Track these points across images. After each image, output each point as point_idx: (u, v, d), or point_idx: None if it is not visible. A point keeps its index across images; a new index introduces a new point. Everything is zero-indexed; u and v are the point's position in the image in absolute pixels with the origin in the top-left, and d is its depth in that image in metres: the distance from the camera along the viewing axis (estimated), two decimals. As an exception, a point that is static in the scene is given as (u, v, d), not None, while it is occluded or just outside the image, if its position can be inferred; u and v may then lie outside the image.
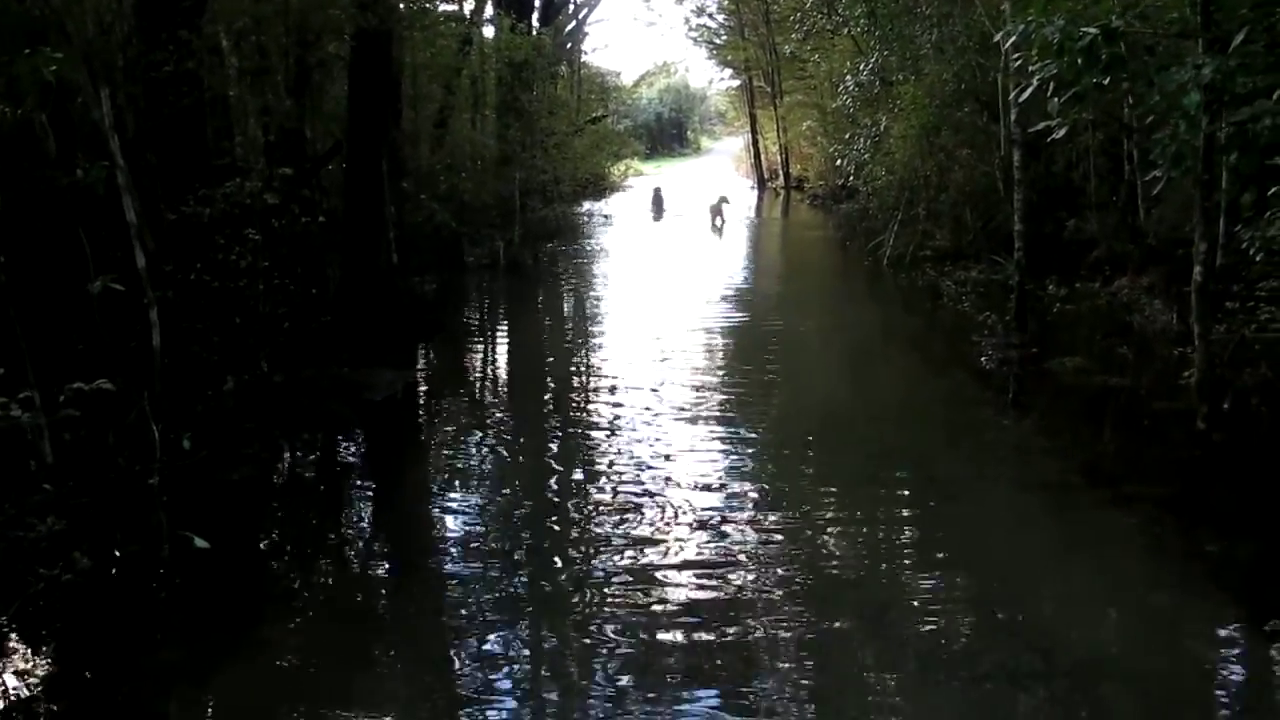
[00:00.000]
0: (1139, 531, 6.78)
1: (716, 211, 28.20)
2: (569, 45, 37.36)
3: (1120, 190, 15.73)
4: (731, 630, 5.56)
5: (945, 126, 18.00)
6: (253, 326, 9.81)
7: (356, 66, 14.16)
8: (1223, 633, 5.63)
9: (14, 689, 5.08)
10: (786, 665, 5.30)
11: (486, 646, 5.53)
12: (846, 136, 22.47)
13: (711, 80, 68.05)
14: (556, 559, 6.63)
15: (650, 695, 4.97)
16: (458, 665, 5.43)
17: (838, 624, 5.65)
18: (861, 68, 20.95)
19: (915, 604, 5.88)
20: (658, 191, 34.04)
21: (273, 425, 9.12)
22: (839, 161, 24.22)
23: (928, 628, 5.55)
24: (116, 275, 8.03)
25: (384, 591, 6.50)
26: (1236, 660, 5.35)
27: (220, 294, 9.49)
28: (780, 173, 43.36)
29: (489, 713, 4.90)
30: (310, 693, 5.15)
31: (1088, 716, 4.76)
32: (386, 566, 6.95)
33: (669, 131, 70.89)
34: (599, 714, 4.86)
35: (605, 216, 30.19)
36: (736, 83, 50.60)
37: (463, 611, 6.00)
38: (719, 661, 5.26)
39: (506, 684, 5.16)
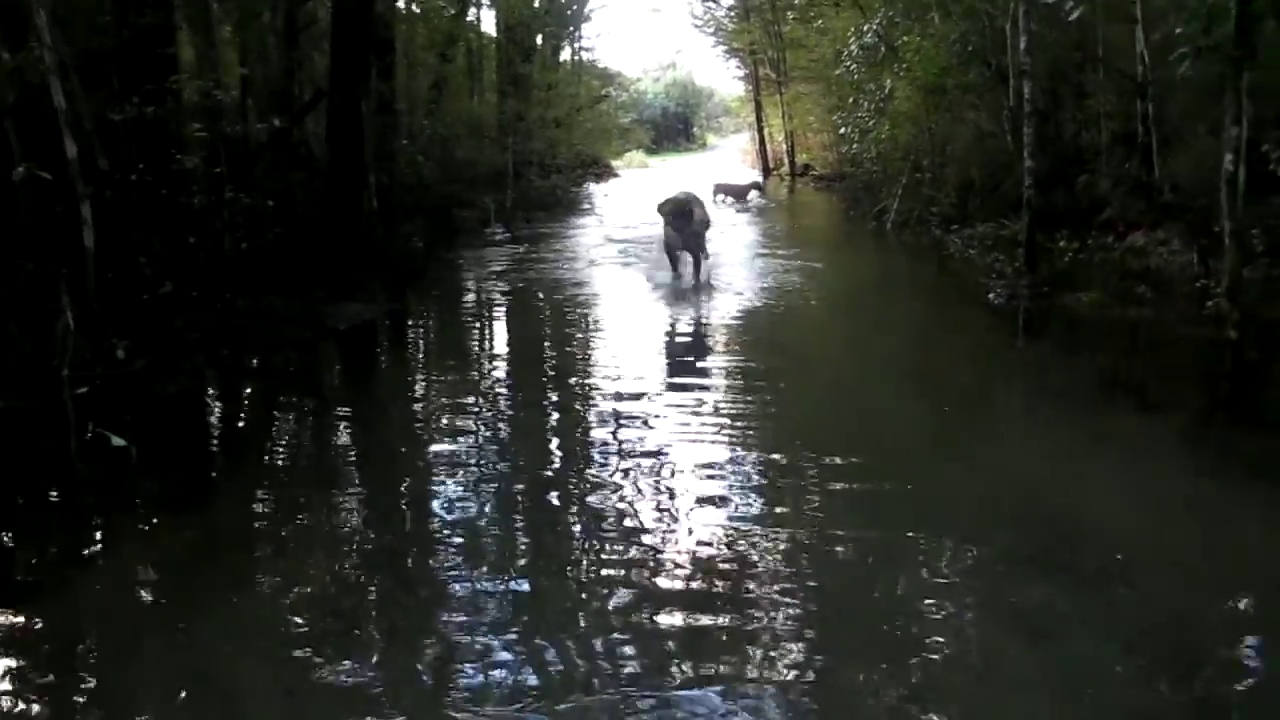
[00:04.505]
0: (1169, 432, 6.09)
1: (750, 190, 26.56)
2: (571, 29, 36.74)
3: (1134, 154, 15.05)
4: (734, 524, 4.86)
5: (951, 82, 17.30)
6: (206, 241, 9.12)
7: (339, 11, 13.67)
8: (1266, 518, 4.86)
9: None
10: (784, 547, 4.59)
11: (385, 550, 4.79)
12: (850, 101, 21.77)
13: (717, 75, 67.51)
14: (481, 468, 5.87)
15: (632, 594, 4.26)
16: (350, 566, 4.66)
17: (840, 522, 4.89)
18: (865, 29, 20.26)
19: (924, 499, 5.14)
20: (680, 206, 11.81)
21: (222, 343, 8.44)
22: (842, 130, 23.49)
23: (937, 518, 4.82)
24: (38, 164, 7.33)
25: (291, 502, 5.63)
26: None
27: (169, 204, 8.82)
28: (785, 160, 42.76)
29: (380, 609, 4.19)
30: (202, 583, 4.40)
31: (1115, 599, 4.01)
32: (302, 477, 6.08)
33: (675, 126, 70.16)
34: (545, 607, 4.18)
35: (605, 195, 29.40)
36: (743, 73, 49.99)
37: (364, 516, 5.27)
38: (717, 559, 4.54)
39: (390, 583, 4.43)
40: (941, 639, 3.73)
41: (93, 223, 7.73)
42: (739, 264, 13.87)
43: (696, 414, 6.63)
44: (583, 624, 3.92)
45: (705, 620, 3.92)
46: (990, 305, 10.48)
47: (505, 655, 3.68)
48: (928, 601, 4.01)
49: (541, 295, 12.20)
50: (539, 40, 28.34)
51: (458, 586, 4.29)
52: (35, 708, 3.45)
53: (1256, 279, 9.17)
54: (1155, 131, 13.88)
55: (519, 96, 23.58)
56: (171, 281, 8.78)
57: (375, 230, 13.90)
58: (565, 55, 36.67)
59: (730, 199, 26.06)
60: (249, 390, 7.82)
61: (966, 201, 17.48)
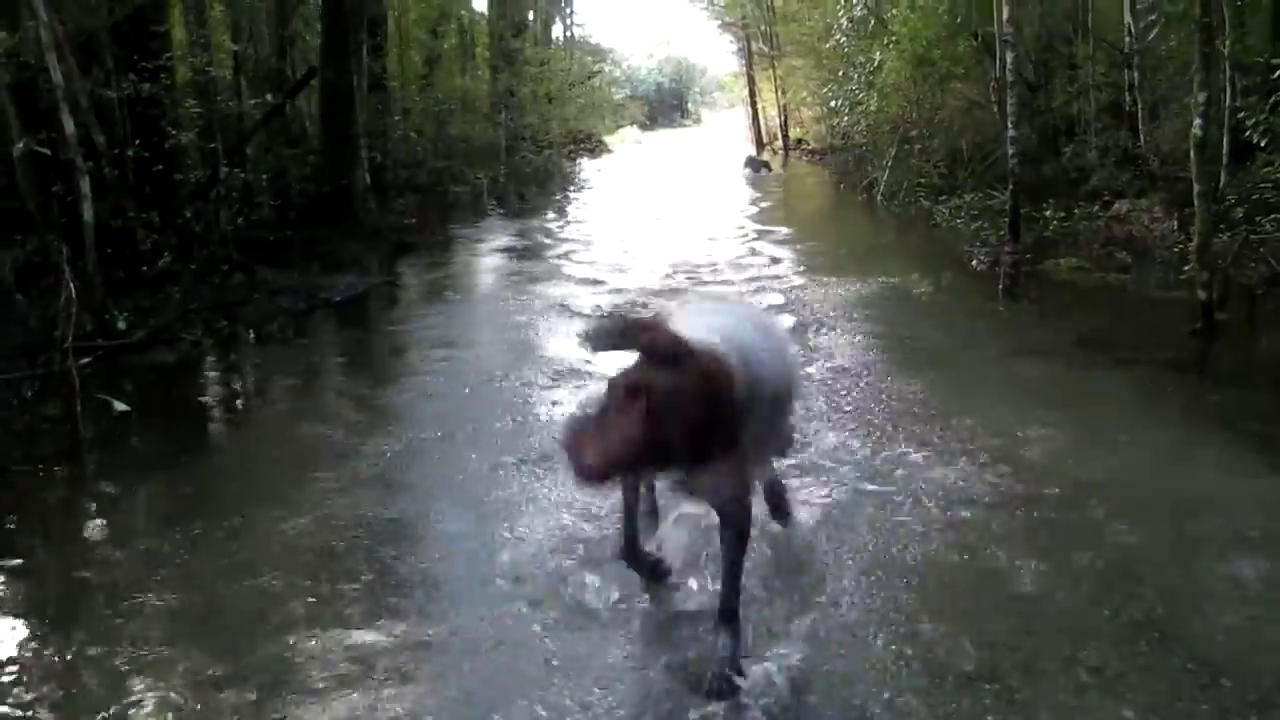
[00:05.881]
0: (1139, 386, 6.29)
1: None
2: (563, 4, 36.81)
3: (1121, 124, 15.21)
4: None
5: (939, 54, 17.43)
6: (202, 216, 9.30)
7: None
8: (1219, 462, 5.08)
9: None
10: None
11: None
12: (840, 74, 21.86)
13: (711, 51, 67.41)
14: (472, 427, 6.01)
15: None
16: (347, 517, 4.86)
17: (817, 468, 5.09)
18: (855, 1, 20.37)
19: (896, 444, 5.35)
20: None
21: (219, 315, 8.65)
22: (833, 102, 23.57)
23: (907, 462, 5.03)
24: (41, 136, 7.51)
25: (288, 460, 5.75)
26: (1244, 485, 4.75)
27: (164, 179, 8.99)
28: (779, 135, 42.79)
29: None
30: (202, 530, 4.61)
31: (1068, 532, 4.22)
32: (299, 438, 6.18)
33: (669, 103, 70.12)
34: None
35: (598, 170, 29.51)
36: (735, 48, 49.90)
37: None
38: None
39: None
40: (901, 566, 4.01)
41: (91, 198, 7.90)
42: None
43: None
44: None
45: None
46: (973, 271, 10.69)
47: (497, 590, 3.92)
48: (895, 534, 4.28)
49: (537, 264, 12.31)
50: (530, 16, 28.46)
51: (450, 535, 4.51)
52: (45, 635, 3.70)
53: (1234, 245, 9.34)
54: (1142, 101, 14.07)
55: (511, 72, 23.71)
56: (169, 255, 8.98)
57: (368, 206, 14.09)
58: (557, 32, 36.84)
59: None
60: (246, 359, 8.01)
61: (955, 172, 17.64)
